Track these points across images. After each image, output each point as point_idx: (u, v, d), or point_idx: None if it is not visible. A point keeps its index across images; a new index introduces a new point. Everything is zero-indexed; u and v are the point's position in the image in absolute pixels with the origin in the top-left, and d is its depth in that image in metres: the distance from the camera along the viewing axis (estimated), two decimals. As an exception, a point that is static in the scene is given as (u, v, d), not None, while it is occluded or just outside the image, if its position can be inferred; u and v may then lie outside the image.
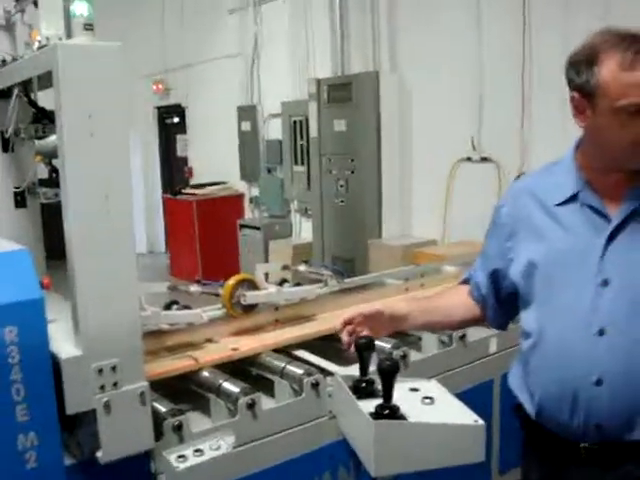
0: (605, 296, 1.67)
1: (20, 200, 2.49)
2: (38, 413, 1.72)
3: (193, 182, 10.10)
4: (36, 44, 2.03)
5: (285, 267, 3.05)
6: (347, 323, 1.91)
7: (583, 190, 1.75)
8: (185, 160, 10.80)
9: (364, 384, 1.92)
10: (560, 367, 1.73)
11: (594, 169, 1.75)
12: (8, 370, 1.66)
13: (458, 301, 2.06)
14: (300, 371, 2.34)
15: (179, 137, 11.09)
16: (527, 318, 1.84)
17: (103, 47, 1.81)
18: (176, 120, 11.13)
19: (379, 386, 1.81)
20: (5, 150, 2.45)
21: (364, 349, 1.94)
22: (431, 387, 1.94)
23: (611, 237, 1.69)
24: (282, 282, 2.82)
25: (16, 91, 2.21)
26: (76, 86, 1.76)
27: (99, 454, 1.87)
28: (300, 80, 7.79)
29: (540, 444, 1.83)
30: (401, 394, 1.86)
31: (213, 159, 9.70)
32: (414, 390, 1.92)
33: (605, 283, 1.67)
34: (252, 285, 2.63)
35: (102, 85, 1.80)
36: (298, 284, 2.83)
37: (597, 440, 1.69)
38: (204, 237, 8.89)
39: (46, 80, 2.00)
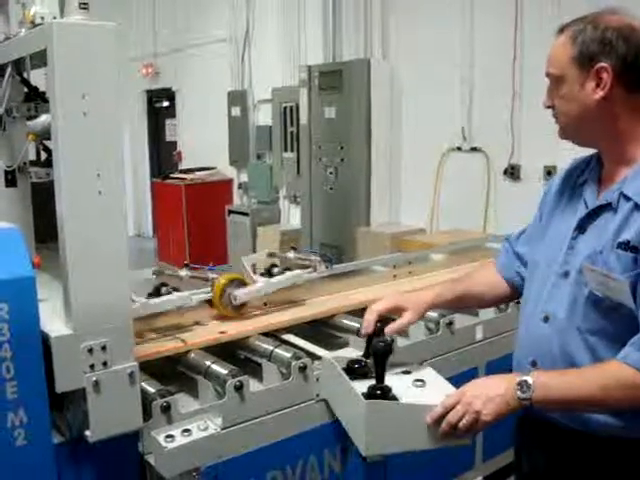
0: (561, 287, 1.71)
1: (10, 179, 2.48)
2: (27, 391, 1.72)
3: (182, 167, 10.07)
4: (29, 23, 2.02)
5: (271, 254, 3.05)
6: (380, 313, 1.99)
7: (590, 177, 1.77)
8: (174, 144, 10.76)
9: (357, 365, 1.96)
10: (517, 345, 1.86)
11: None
12: (-2, 347, 1.67)
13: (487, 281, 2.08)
14: (288, 354, 2.35)
15: (168, 121, 11.05)
16: None
17: (98, 26, 1.80)
18: (165, 104, 11.07)
19: (372, 368, 1.84)
20: (-4, 129, 2.45)
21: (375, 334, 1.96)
22: (423, 371, 1.97)
23: (582, 228, 1.69)
24: (271, 267, 2.82)
25: (9, 70, 2.19)
26: (70, 65, 1.76)
27: (88, 433, 1.87)
28: (291, 66, 7.77)
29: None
30: (393, 376, 1.89)
31: (202, 144, 9.67)
32: (406, 373, 1.95)
33: (566, 275, 1.70)
34: (241, 283, 2.63)
35: (96, 65, 1.79)
36: (287, 269, 2.83)
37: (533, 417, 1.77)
38: (192, 222, 8.87)
39: (39, 59, 2.00)
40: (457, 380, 1.89)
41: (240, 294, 2.57)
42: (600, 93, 1.60)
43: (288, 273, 2.77)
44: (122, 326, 1.90)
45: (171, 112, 10.80)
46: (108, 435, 1.90)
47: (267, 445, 2.23)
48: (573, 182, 1.82)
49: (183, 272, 2.54)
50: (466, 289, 2.07)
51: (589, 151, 1.81)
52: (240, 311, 2.62)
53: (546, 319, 1.73)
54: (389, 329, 1.96)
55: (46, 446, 1.81)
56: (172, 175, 9.41)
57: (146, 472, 2.04)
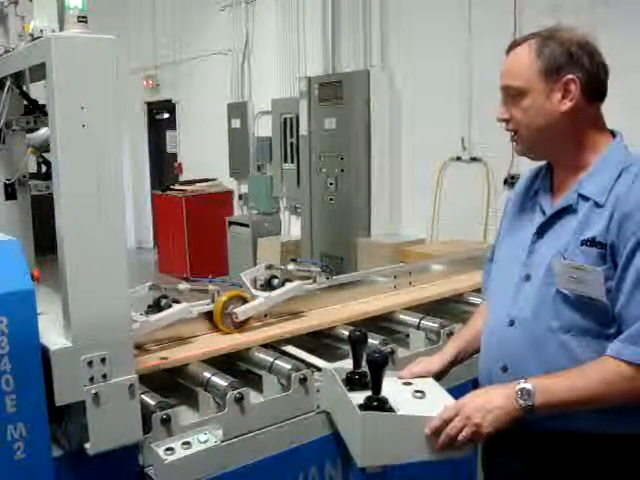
0: (523, 290, 1.76)
1: (10, 192, 2.48)
2: (27, 404, 1.71)
3: (182, 178, 10.09)
4: (29, 36, 2.02)
5: (269, 267, 3.03)
6: None
7: (542, 186, 1.85)
8: (174, 156, 10.78)
9: (357, 376, 1.95)
10: (483, 353, 1.90)
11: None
12: (-3, 361, 1.66)
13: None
14: (288, 366, 2.34)
15: (169, 133, 11.08)
16: None
17: (97, 39, 1.80)
18: (166, 116, 11.11)
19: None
20: (-4, 142, 2.45)
21: (357, 342, 1.97)
22: (424, 382, 1.96)
23: (541, 233, 1.76)
24: (271, 279, 2.81)
25: (8, 83, 2.20)
26: (69, 78, 1.76)
27: (87, 446, 1.86)
28: (291, 78, 7.81)
29: None
30: (394, 387, 1.89)
31: (203, 155, 9.70)
32: (407, 384, 1.95)
33: (527, 278, 1.76)
34: (242, 299, 2.62)
35: (95, 77, 1.80)
36: (287, 280, 2.83)
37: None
38: (193, 233, 8.89)
39: (38, 72, 2.01)
40: (458, 391, 1.89)
41: (240, 312, 2.56)
42: (568, 104, 1.67)
43: (288, 285, 2.76)
44: (122, 339, 1.90)
45: (171, 124, 10.83)
46: (108, 448, 1.89)
47: (268, 457, 2.22)
48: (526, 192, 1.90)
49: (182, 286, 2.53)
50: (473, 332, 2.08)
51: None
52: (242, 328, 2.61)
53: (512, 323, 1.76)
54: (406, 371, 2.01)
55: (45, 459, 1.80)
56: (173, 187, 9.43)
57: (146, 485, 2.03)
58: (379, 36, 6.84)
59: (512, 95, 1.74)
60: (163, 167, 11.34)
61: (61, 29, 1.95)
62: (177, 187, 9.36)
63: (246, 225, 8.27)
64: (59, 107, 1.77)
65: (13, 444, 1.73)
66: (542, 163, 1.90)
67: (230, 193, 9.32)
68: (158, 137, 11.42)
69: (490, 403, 1.63)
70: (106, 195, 1.84)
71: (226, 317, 2.56)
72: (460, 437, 1.63)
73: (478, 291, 3.30)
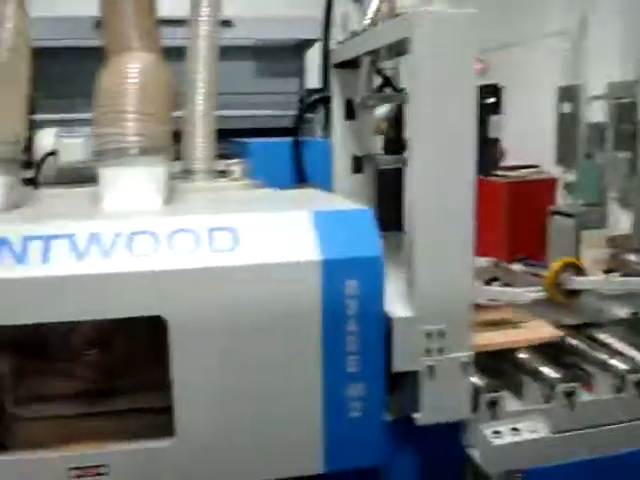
0: None
1: (357, 166, 2.62)
2: (368, 366, 1.78)
3: (504, 164, 9.96)
4: (389, 12, 2.09)
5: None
6: None
7: None
8: (495, 141, 10.65)
9: None
10: None
11: None
12: (345, 321, 1.74)
13: None
14: (624, 366, 2.17)
15: (492, 118, 10.96)
16: None
17: (462, 15, 1.81)
18: (491, 100, 10.99)
19: None
20: (349, 117, 2.59)
21: None
22: None
23: None
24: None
25: (367, 60, 2.30)
26: (431, 55, 1.80)
27: (417, 416, 1.91)
28: (633, 59, 7.26)
29: None
30: None
31: (525, 141, 9.46)
32: None
33: None
34: (577, 270, 2.50)
35: (456, 55, 1.81)
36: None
37: None
38: (512, 220, 8.73)
39: (392, 50, 2.08)
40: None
41: (576, 279, 2.45)
42: None
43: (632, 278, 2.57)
44: (461, 314, 1.90)
45: (495, 108, 10.69)
46: (436, 421, 1.92)
47: (597, 458, 2.09)
48: None
49: (516, 266, 2.50)
50: None
51: None
52: (570, 298, 2.48)
53: None
54: None
55: (378, 422, 1.85)
56: (494, 172, 9.35)
57: (465, 465, 2.03)
58: None
59: None
60: (484, 151, 11.27)
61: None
62: (499, 172, 9.25)
63: (570, 215, 7.89)
64: (418, 84, 1.81)
65: (350, 402, 1.81)
66: None
67: (553, 181, 8.96)
68: (481, 121, 11.36)
69: None
70: (455, 169, 1.89)
71: (557, 286, 2.46)
72: None
73: None
